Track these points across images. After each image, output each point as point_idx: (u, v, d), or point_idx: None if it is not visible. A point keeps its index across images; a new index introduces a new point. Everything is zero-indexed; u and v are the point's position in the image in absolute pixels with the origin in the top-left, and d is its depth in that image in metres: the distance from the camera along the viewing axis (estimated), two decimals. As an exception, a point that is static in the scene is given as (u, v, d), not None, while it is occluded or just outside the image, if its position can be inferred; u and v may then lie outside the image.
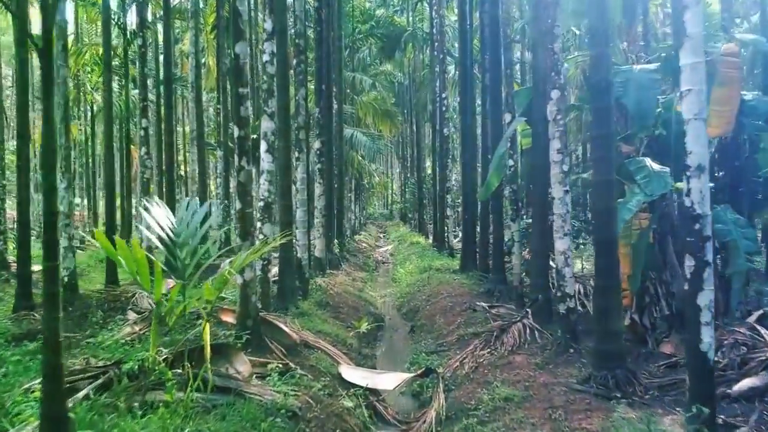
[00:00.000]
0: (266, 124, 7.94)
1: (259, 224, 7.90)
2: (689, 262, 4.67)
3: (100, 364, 5.88)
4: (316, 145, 13.95)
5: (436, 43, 22.05)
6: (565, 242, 7.69)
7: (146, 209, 5.06)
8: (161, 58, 21.27)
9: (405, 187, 45.47)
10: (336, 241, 17.07)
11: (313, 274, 12.31)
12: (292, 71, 11.63)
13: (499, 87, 12.21)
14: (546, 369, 6.84)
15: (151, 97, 27.04)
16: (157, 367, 4.52)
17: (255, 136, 14.08)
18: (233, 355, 5.99)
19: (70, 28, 27.52)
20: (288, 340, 7.07)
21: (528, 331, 8.54)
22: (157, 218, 5.04)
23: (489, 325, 8.88)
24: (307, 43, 19.40)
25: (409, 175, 43.67)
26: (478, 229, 15.36)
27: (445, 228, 20.69)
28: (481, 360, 7.36)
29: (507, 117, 11.20)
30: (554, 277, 10.60)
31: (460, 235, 23.37)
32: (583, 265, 14.00)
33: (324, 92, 14.25)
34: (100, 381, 5.21)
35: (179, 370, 4.76)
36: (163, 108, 16.06)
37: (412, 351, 9.22)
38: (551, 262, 10.02)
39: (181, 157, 35.95)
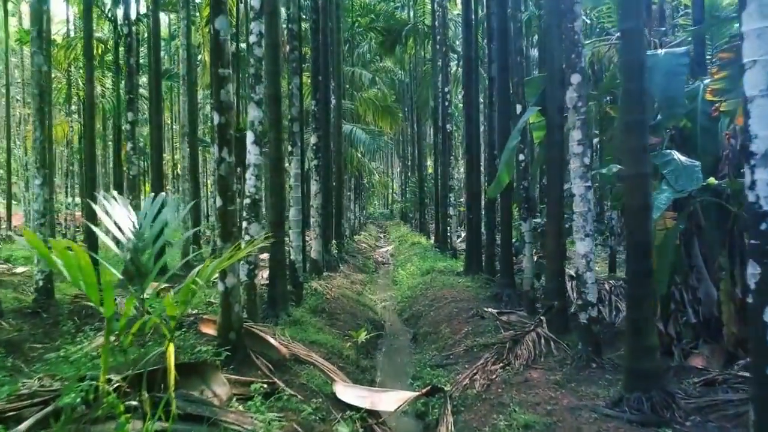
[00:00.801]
0: (253, 113, 7.14)
1: (245, 224, 7.07)
2: (753, 270, 3.86)
3: (56, 385, 5.08)
4: (313, 139, 13.13)
5: (438, 37, 21.31)
6: (587, 244, 6.88)
7: (102, 206, 4.26)
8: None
9: (405, 186, 44.80)
10: (334, 241, 16.25)
11: (308, 277, 11.49)
12: (285, 62, 10.83)
13: (508, 77, 11.40)
14: (568, 388, 6.03)
15: (145, 93, 26.31)
16: (105, 399, 3.72)
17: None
18: (210, 375, 5.18)
19: (60, 26, 26.79)
20: (276, 355, 6.27)
21: (543, 341, 7.77)
22: (114, 217, 4.23)
23: (500, 335, 8.07)
24: (303, 34, 18.60)
25: (409, 174, 42.98)
26: (483, 228, 14.60)
27: (448, 228, 19.88)
28: (494, 376, 6.54)
29: (517, 109, 10.38)
30: (569, 281, 9.82)
31: (462, 235, 22.61)
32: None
33: (321, 84, 13.43)
34: (49, 408, 4.41)
35: (133, 403, 3.95)
36: (152, 102, 15.32)
37: (415, 363, 8.41)
38: (567, 266, 9.26)
39: (178, 156, 35.22)
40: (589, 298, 6.88)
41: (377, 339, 10.39)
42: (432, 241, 23.97)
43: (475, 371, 6.73)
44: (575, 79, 6.99)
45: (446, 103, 19.40)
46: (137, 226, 4.28)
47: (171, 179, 34.46)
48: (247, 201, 7.06)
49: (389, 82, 33.37)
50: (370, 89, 27.09)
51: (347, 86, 25.14)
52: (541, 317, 8.41)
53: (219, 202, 5.94)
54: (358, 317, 10.70)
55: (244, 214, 7.06)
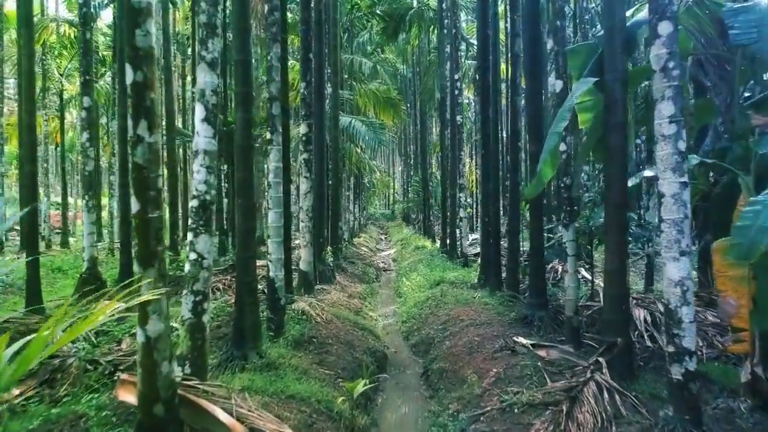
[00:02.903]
0: (204, 77, 5.01)
1: (190, 235, 4.93)
2: None
3: None
4: (302, 129, 11.00)
5: (446, 21, 19.29)
6: (682, 266, 4.74)
7: None
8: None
9: (408, 185, 42.81)
10: (329, 248, 14.11)
11: (292, 297, 9.34)
12: (262, 28, 8.71)
13: (537, 51, 9.29)
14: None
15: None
16: None
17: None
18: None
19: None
20: (227, 435, 4.14)
21: (607, 395, 5.67)
22: None
23: (547, 386, 5.93)
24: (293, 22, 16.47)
25: (412, 173, 40.93)
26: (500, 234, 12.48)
27: (457, 231, 17.72)
28: (553, 464, 4.41)
29: (557, 86, 8.26)
30: (636, 307, 7.70)
31: (470, 238, 20.43)
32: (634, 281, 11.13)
33: (312, 63, 11.30)
34: None
35: None
36: (119, 88, 13.24)
37: (429, 420, 6.26)
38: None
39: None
40: (686, 343, 4.76)
41: (377, 372, 8.27)
42: (438, 245, 21.87)
43: (523, 453, 4.60)
44: (664, 28, 4.85)
45: (456, 92, 17.30)
46: None
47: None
48: (194, 203, 4.90)
49: (391, 70, 31.25)
50: (371, 81, 24.95)
51: (346, 76, 23.01)
52: (599, 358, 6.32)
53: (135, 205, 3.81)
54: (355, 348, 8.57)
55: (190, 221, 4.92)
